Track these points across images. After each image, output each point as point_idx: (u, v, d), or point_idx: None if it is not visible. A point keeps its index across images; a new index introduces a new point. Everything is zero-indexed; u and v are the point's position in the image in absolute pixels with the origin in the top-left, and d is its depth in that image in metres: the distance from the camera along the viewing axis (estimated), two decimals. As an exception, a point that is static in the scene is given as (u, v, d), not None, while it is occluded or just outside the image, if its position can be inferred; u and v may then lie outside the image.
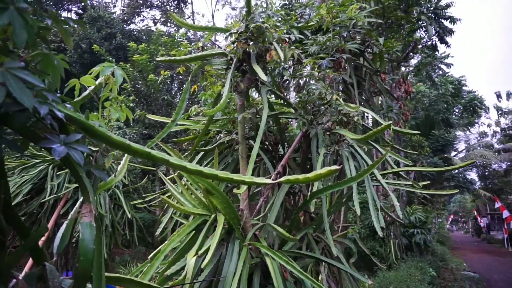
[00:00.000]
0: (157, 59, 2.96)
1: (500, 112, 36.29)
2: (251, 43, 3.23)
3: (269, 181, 1.46)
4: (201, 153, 4.22)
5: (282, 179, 1.44)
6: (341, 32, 4.61)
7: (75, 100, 2.15)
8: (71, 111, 1.56)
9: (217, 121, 4.27)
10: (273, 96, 4.87)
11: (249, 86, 3.45)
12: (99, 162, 1.87)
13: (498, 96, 36.78)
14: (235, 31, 3.21)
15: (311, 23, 5.01)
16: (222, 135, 4.09)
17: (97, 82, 2.10)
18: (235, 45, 3.29)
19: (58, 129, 1.44)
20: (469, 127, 31.85)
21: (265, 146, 4.40)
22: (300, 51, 3.74)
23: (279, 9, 10.97)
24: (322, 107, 3.74)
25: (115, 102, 2.02)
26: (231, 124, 4.14)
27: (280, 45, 3.36)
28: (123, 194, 7.90)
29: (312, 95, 3.67)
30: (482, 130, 40.90)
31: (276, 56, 3.11)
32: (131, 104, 11.68)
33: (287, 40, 3.45)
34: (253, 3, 3.34)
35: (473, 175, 33.03)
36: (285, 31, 4.60)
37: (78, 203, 1.89)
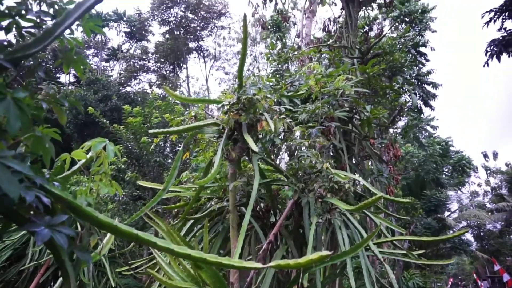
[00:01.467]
0: (150, 131, 3.02)
1: (488, 171, 36.86)
2: (242, 113, 3.33)
3: (259, 265, 1.41)
4: (191, 221, 4.13)
5: (272, 263, 1.40)
6: (330, 100, 4.81)
7: (64, 174, 2.15)
8: (59, 189, 1.55)
9: (208, 187, 4.25)
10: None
11: (240, 155, 3.50)
12: (84, 240, 1.82)
13: (485, 156, 37.66)
14: (227, 102, 3.32)
15: (301, 92, 5.23)
16: (213, 203, 4.04)
17: (88, 156, 2.11)
18: (227, 115, 3.39)
19: (44, 210, 1.41)
20: (460, 187, 32.07)
21: (257, 214, 4.34)
22: (290, 119, 3.85)
23: (270, 76, 11.49)
24: (313, 175, 3.77)
25: (105, 176, 2.02)
26: (222, 191, 4.11)
27: (270, 114, 3.47)
28: (108, 260, 7.55)
29: (303, 163, 3.71)
30: (473, 190, 41.15)
31: (266, 127, 3.19)
32: (123, 166, 11.64)
33: (278, 110, 3.57)
34: (246, 68, 3.51)
35: (468, 236, 32.54)
36: (275, 100, 4.78)
37: (59, 282, 1.80)
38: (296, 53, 7.95)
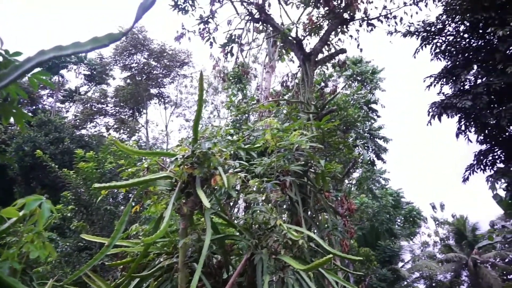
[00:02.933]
0: (94, 185, 2.86)
1: (437, 222, 38.53)
2: (196, 167, 3.28)
3: None
4: (137, 279, 3.84)
5: None
6: (286, 155, 4.90)
7: (-10, 234, 1.94)
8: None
9: (158, 242, 4.03)
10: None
11: (193, 209, 3.39)
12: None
13: (433, 207, 39.54)
14: (181, 156, 3.27)
15: (258, 145, 5.30)
16: (161, 259, 3.81)
17: (20, 214, 1.94)
18: (181, 168, 3.32)
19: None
20: (412, 237, 33.09)
21: (208, 270, 4.14)
22: (245, 173, 3.84)
23: (230, 125, 11.60)
24: (267, 230, 3.71)
25: (38, 237, 1.84)
26: (172, 246, 3.91)
27: (225, 168, 3.45)
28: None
29: (257, 218, 3.66)
30: (424, 240, 42.53)
31: (220, 181, 3.15)
32: (69, 214, 10.87)
33: (233, 165, 3.56)
34: (206, 116, 3.51)
35: (421, 287, 33.04)
36: (232, 152, 4.80)
37: None
38: (255, 106, 8.18)
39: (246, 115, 7.83)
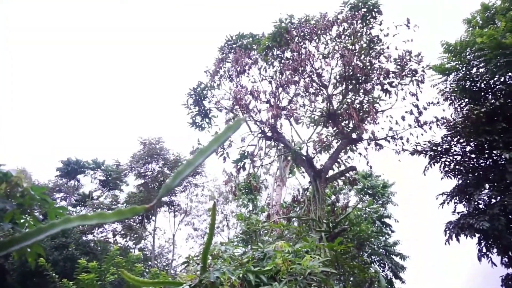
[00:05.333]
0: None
1: None
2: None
3: None
4: None
5: None
6: (298, 282, 4.62)
7: None
8: None
9: None
10: None
11: None
12: None
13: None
14: (189, 285, 3.12)
15: (268, 268, 5.05)
16: None
17: None
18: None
19: None
20: None
21: None
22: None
23: (239, 235, 11.26)
24: None
25: None
26: None
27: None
28: None
29: None
30: None
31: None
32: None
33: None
34: (215, 225, 3.40)
35: None
36: (241, 275, 4.55)
37: None
38: (265, 223, 8.08)
39: (256, 232, 7.69)
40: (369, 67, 11.49)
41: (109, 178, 33.36)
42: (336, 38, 11.76)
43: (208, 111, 11.87)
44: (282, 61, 12.19)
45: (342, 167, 11.17)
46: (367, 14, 11.14)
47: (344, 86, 11.67)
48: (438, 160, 12.64)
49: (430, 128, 11.18)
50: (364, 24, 11.36)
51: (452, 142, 12.46)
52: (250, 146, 11.41)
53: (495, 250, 11.47)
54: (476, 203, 11.25)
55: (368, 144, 11.64)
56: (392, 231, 21.68)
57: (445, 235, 10.97)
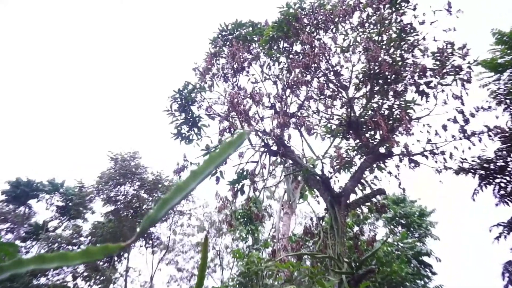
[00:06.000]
0: None
1: None
2: None
3: None
4: None
5: None
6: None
7: None
8: None
9: None
10: None
11: None
12: None
13: None
14: None
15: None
16: None
17: None
18: None
19: None
20: None
21: None
22: None
23: (236, 278, 11.20)
24: None
25: None
26: None
27: None
28: None
29: None
30: None
31: None
32: None
33: None
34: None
35: None
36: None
37: None
38: (270, 262, 8.03)
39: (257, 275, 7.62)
40: (400, 63, 11.56)
41: (70, 204, 33.30)
42: (358, 27, 11.88)
43: (197, 119, 11.91)
44: (290, 56, 12.28)
45: (368, 190, 11.14)
46: (398, -4, 11.27)
47: (368, 87, 11.73)
48: (491, 181, 12.60)
49: (479, 140, 11.17)
50: (393, 9, 11.46)
51: (509, 158, 12.44)
52: (250, 163, 11.43)
53: None
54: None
55: (400, 161, 11.64)
56: (433, 273, 21.46)
57: (503, 279, 10.89)
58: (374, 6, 11.33)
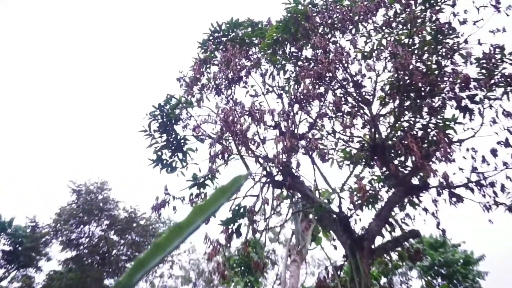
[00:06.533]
0: None
1: None
2: None
3: None
4: None
5: None
6: None
7: None
8: None
9: None
10: None
11: None
12: None
13: None
14: None
15: None
16: None
17: None
18: None
19: None
20: None
21: None
22: None
23: None
24: None
25: None
26: None
27: None
28: None
29: None
30: None
31: None
32: None
33: None
34: None
35: None
36: None
37: None
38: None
39: None
40: (436, 72, 11.62)
41: (19, 249, 33.03)
42: (384, 28, 11.97)
43: (181, 141, 11.90)
44: (299, 63, 12.35)
45: (398, 232, 11.07)
46: (432, -10, 11.39)
47: (397, 102, 11.78)
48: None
49: (538, 169, 11.18)
50: (427, 5, 11.56)
51: None
52: (249, 198, 11.36)
53: None
54: None
55: (439, 195, 11.59)
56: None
57: None
58: (403, 1, 11.45)
